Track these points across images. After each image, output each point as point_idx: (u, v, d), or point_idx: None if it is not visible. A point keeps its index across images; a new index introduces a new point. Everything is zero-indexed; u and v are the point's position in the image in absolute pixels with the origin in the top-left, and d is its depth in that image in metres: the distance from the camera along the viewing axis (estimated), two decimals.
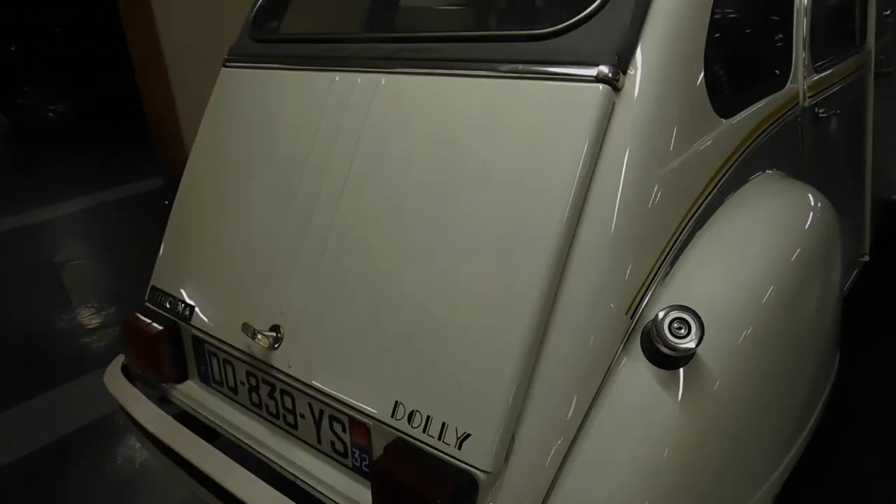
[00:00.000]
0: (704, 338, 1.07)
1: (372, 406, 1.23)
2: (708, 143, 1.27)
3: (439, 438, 1.13)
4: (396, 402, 1.20)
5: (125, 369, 1.85)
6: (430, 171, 1.28)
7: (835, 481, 1.93)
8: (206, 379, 1.67)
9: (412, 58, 1.41)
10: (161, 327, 1.68)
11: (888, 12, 2.42)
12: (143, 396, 1.74)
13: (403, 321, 1.24)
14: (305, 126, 1.53)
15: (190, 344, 1.68)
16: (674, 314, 1.07)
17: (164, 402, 1.75)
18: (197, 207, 1.76)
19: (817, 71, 1.69)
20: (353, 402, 1.26)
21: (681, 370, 1.12)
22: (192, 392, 1.69)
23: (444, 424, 1.13)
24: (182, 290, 1.68)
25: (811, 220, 1.43)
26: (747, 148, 1.38)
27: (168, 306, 1.70)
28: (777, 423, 1.35)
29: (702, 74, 1.24)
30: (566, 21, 1.21)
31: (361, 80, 1.46)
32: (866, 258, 2.23)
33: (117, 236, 4.40)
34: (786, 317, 1.30)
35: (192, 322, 1.62)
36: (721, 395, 1.15)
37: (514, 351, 1.09)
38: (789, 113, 1.56)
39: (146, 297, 1.79)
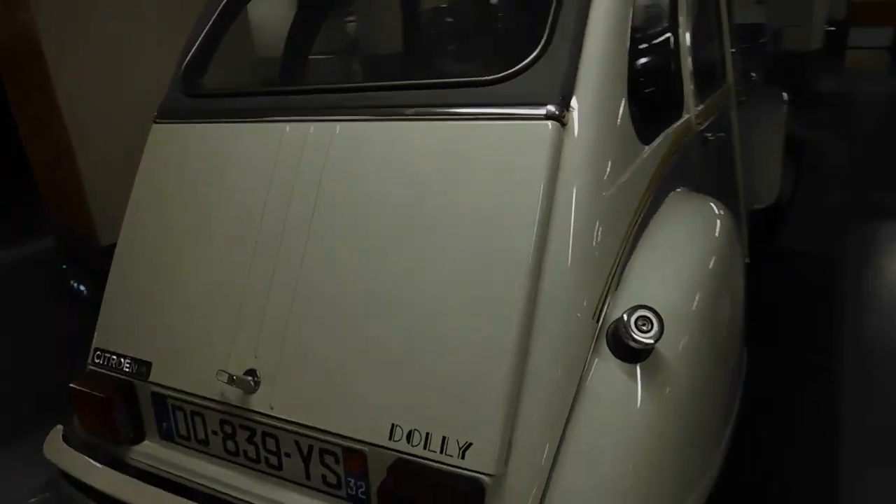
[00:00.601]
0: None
1: (368, 433, 1.30)
2: (636, 167, 1.47)
3: (441, 452, 1.22)
4: (393, 424, 1.27)
5: (65, 439, 1.78)
6: (398, 206, 1.38)
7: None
8: (168, 436, 1.65)
9: (363, 105, 1.52)
10: (114, 389, 1.64)
11: (734, 50, 2.83)
12: (97, 462, 1.69)
13: (388, 347, 1.32)
14: (260, 175, 1.57)
15: (148, 402, 1.65)
16: (638, 313, 1.24)
17: (117, 466, 1.70)
18: (141, 262, 1.74)
19: (701, 102, 1.98)
20: (347, 432, 1.32)
21: (644, 363, 1.29)
22: (152, 451, 1.66)
23: (444, 438, 1.22)
24: (134, 348, 1.65)
25: (720, 228, 1.68)
26: (663, 170, 1.60)
27: (120, 366, 1.66)
28: (718, 402, 1.56)
29: (626, 107, 1.44)
30: (512, 68, 1.37)
31: (315, 129, 1.54)
32: (748, 260, 2.57)
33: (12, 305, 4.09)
34: (714, 311, 1.52)
35: (150, 379, 1.60)
36: (676, 381, 1.33)
37: (505, 361, 1.21)
38: (687, 138, 1.82)
39: (90, 361, 1.74)
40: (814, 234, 4.28)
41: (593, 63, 1.37)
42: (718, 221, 1.70)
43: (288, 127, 1.58)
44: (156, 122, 1.84)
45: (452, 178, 1.35)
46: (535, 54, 1.37)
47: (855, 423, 2.42)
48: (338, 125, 1.52)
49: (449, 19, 2.81)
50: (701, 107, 1.96)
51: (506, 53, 1.46)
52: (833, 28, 9.39)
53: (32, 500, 2.39)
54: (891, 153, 6.18)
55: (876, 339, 3.02)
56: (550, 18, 1.40)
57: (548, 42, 1.38)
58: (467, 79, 1.42)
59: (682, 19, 1.92)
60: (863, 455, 2.26)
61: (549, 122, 1.31)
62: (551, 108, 1.31)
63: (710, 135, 2.02)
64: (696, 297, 1.47)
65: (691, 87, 1.89)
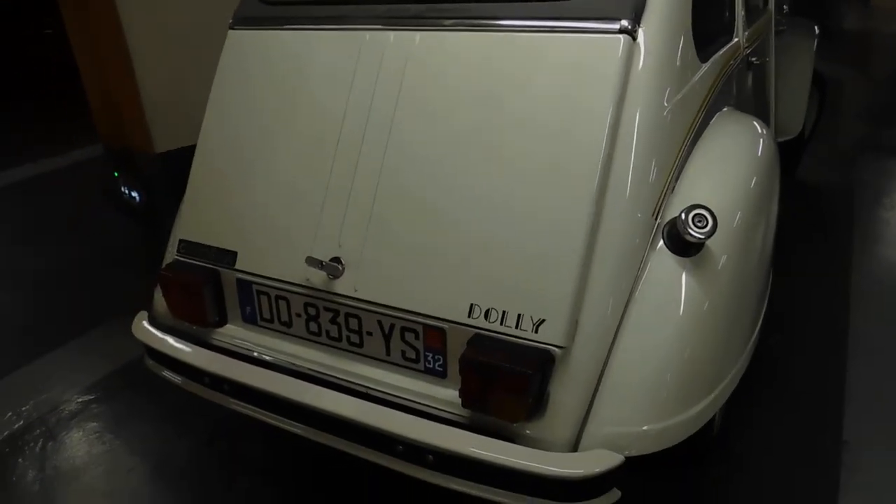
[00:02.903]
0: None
1: (448, 312, 1.47)
2: (695, 82, 1.60)
3: (516, 327, 1.39)
4: (472, 304, 1.44)
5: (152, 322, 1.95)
6: (478, 108, 1.51)
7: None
8: (251, 319, 1.82)
9: (440, 16, 1.63)
10: (202, 276, 1.80)
11: None
12: (184, 342, 1.86)
13: (467, 232, 1.47)
14: (339, 81, 1.69)
15: (233, 288, 1.81)
16: (696, 211, 1.39)
17: (202, 346, 1.87)
18: (223, 159, 1.86)
19: (748, 27, 2.08)
20: (429, 311, 1.49)
21: (694, 257, 1.45)
22: (237, 333, 1.83)
23: (519, 315, 1.39)
24: (220, 239, 1.79)
25: (762, 146, 1.82)
26: (715, 88, 1.73)
27: (206, 255, 1.81)
28: (752, 301, 1.73)
29: (690, 26, 1.55)
30: None
31: (395, 38, 1.65)
32: None
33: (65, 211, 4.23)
34: (755, 218, 1.68)
35: (237, 266, 1.76)
36: (721, 275, 1.50)
37: (576, 247, 1.37)
38: (734, 60, 1.93)
39: (176, 251, 1.89)
40: (830, 167, 4.41)
41: None
42: (762, 140, 1.83)
43: (368, 35, 1.69)
44: (232, 29, 1.93)
45: (525, 89, 1.48)
46: None
47: (861, 338, 2.61)
48: (417, 34, 1.63)
49: None
50: (748, 31, 2.06)
51: None
52: None
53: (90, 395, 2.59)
54: None
55: (885, 265, 3.19)
56: None
57: None
58: None
59: None
60: (866, 365, 2.47)
61: (622, 36, 1.43)
62: (624, 22, 1.43)
63: (754, 59, 2.13)
64: (742, 204, 1.62)
65: (742, 12, 1.99)
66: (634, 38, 1.44)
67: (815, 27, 3.66)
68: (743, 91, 2.06)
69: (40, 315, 3.16)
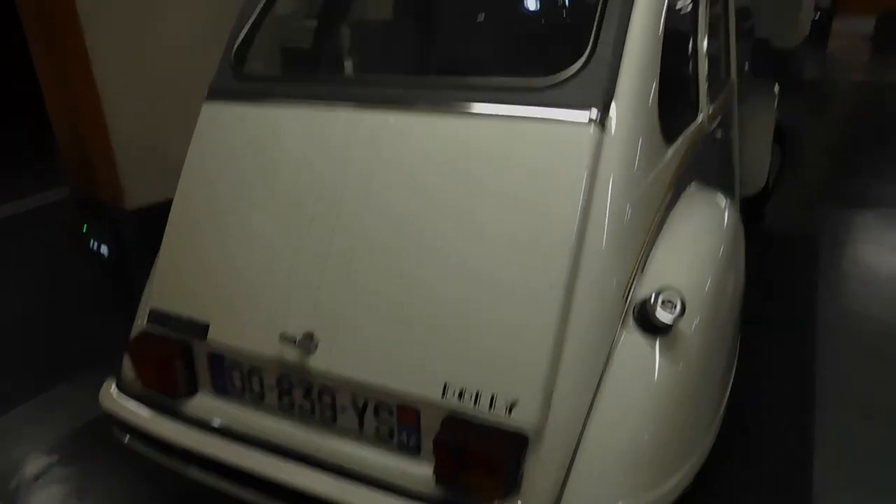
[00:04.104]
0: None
1: (423, 391, 1.48)
2: (661, 166, 1.66)
3: (490, 408, 1.41)
4: (445, 383, 1.46)
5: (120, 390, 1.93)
6: (450, 190, 1.55)
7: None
8: (223, 390, 1.81)
9: (414, 99, 1.67)
10: (173, 347, 1.79)
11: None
12: (153, 412, 1.84)
13: (441, 313, 1.49)
14: (314, 157, 1.72)
15: (205, 358, 1.80)
16: (664, 294, 1.44)
17: (171, 416, 1.85)
18: (195, 230, 1.87)
19: (712, 102, 2.16)
20: (404, 390, 1.50)
21: (666, 336, 1.49)
22: (209, 404, 1.82)
23: (493, 396, 1.41)
24: (191, 309, 1.79)
25: (727, 220, 1.88)
26: (681, 168, 1.79)
27: (177, 326, 1.80)
28: (721, 370, 1.77)
29: (657, 113, 1.61)
30: (561, 76, 1.54)
31: (369, 118, 1.69)
32: None
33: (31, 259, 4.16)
34: (721, 291, 1.73)
35: (209, 338, 1.75)
36: (689, 352, 1.54)
37: (548, 331, 1.40)
38: (699, 136, 2.01)
39: (147, 320, 1.88)
40: (793, 217, 4.55)
41: (630, 73, 1.54)
42: (726, 213, 1.90)
43: (343, 114, 1.72)
44: (207, 101, 1.96)
45: (498, 171, 1.52)
46: (580, 63, 1.54)
47: (828, 392, 2.67)
48: (391, 115, 1.67)
49: (496, 19, 2.94)
50: (712, 107, 2.14)
51: (549, 58, 1.61)
52: (818, 15, 9.61)
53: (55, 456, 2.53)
54: (866, 140, 6.47)
55: (850, 316, 3.29)
56: (594, 29, 1.56)
57: (592, 52, 1.54)
58: (517, 82, 1.58)
59: (700, 24, 2.09)
60: (832, 419, 2.52)
61: (592, 126, 1.48)
62: (593, 113, 1.48)
63: (717, 133, 2.21)
64: (708, 280, 1.67)
65: (705, 87, 2.07)
66: (604, 128, 1.49)
67: (776, 86, 3.81)
68: (708, 164, 2.14)
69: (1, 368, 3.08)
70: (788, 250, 4.06)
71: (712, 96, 2.18)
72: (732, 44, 2.67)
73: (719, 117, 2.28)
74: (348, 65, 2.42)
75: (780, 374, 2.82)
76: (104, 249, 3.12)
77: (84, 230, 3.18)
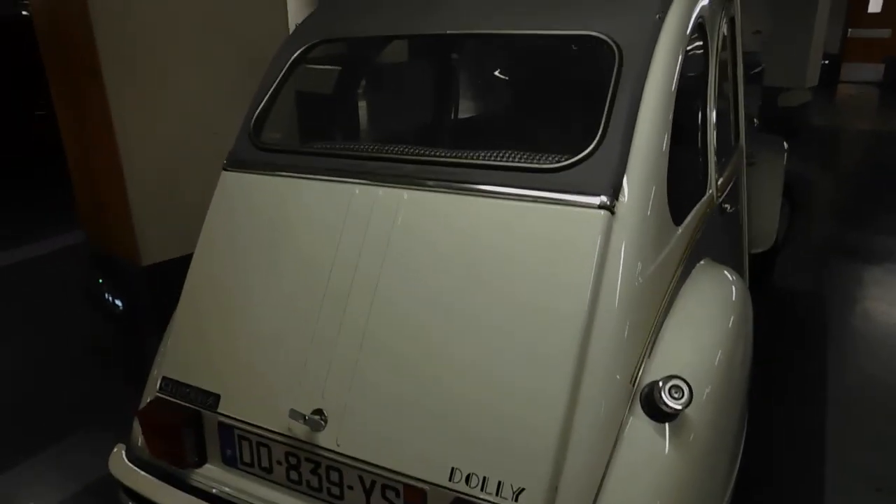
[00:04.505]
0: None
1: (430, 474, 1.48)
2: (670, 248, 1.67)
3: (497, 494, 1.40)
4: (453, 468, 1.46)
5: (129, 457, 1.93)
6: (462, 269, 1.56)
7: None
8: (231, 462, 1.81)
9: (430, 177, 1.70)
10: (183, 417, 1.80)
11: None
12: (162, 482, 1.84)
13: (450, 395, 1.50)
14: (329, 233, 1.74)
15: (214, 429, 1.81)
16: (672, 382, 1.44)
17: (179, 486, 1.85)
18: (209, 300, 1.89)
19: (721, 174, 2.18)
20: (411, 472, 1.50)
21: (674, 422, 1.49)
22: (217, 475, 1.82)
23: (500, 483, 1.41)
24: (203, 380, 1.80)
25: (735, 295, 1.89)
26: (690, 246, 1.80)
27: (188, 396, 1.82)
28: (730, 449, 1.75)
29: (665, 195, 1.63)
30: (571, 159, 1.57)
31: (383, 194, 1.72)
32: None
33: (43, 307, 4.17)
34: (730, 370, 1.72)
35: (219, 410, 1.76)
36: (699, 435, 1.53)
37: (555, 419, 1.40)
38: (709, 212, 2.02)
39: (158, 388, 1.89)
40: (804, 273, 4.53)
41: (640, 157, 1.57)
42: (734, 288, 1.90)
43: (358, 189, 1.76)
44: (226, 170, 2.00)
45: (514, 251, 1.54)
46: (590, 148, 1.56)
47: (837, 462, 2.64)
48: (405, 192, 1.70)
49: (510, 100, 3.00)
50: (721, 179, 2.16)
51: (560, 142, 1.65)
52: (826, 62, 9.70)
53: None
54: (873, 190, 6.47)
55: (861, 376, 3.26)
56: (605, 112, 1.59)
57: (602, 136, 1.57)
58: (529, 164, 1.61)
59: (709, 96, 2.11)
60: (845, 487, 2.49)
61: (602, 211, 1.50)
62: (604, 198, 1.51)
63: (727, 205, 2.22)
64: (717, 358, 1.67)
65: (714, 160, 2.09)
66: (613, 213, 1.51)
67: (784, 143, 3.83)
68: (717, 236, 2.15)
69: (6, 420, 3.09)
70: (800, 307, 4.04)
71: (721, 170, 2.20)
72: (740, 106, 2.70)
73: (728, 187, 2.30)
74: (364, 133, 2.47)
75: (790, 444, 2.78)
76: (119, 303, 3.16)
77: (100, 283, 3.21)
